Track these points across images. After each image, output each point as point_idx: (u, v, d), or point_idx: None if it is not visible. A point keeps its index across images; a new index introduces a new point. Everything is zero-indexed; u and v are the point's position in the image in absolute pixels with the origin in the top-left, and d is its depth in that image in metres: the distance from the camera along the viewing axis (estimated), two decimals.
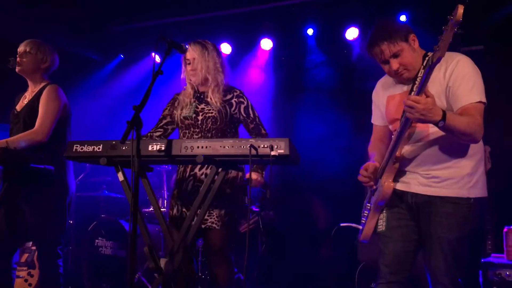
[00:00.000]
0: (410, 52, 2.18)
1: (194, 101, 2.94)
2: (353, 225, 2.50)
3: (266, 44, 5.61)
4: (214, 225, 2.80)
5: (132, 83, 6.12)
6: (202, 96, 2.95)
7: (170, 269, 2.36)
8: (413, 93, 2.04)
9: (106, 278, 4.52)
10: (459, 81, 2.10)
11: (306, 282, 4.78)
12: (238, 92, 2.98)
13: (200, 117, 2.89)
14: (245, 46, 5.72)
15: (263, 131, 2.96)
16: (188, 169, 2.88)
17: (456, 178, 2.15)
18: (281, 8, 5.16)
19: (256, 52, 5.74)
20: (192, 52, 2.93)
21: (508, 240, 3.35)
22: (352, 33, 5.25)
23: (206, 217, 2.78)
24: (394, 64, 2.18)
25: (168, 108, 3.05)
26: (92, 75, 6.17)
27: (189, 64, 2.95)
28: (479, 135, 2.08)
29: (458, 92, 2.09)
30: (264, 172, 2.91)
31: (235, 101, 2.94)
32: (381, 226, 2.32)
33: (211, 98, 2.90)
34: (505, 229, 3.41)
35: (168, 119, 3.02)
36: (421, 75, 2.05)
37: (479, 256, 3.44)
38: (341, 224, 2.66)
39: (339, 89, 5.40)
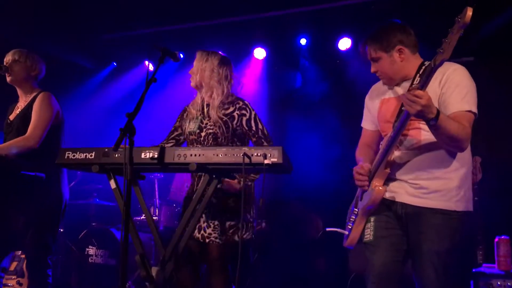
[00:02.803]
0: (387, 63, 2.25)
1: (200, 115, 2.92)
2: (339, 230, 2.48)
3: (259, 53, 5.64)
4: (217, 240, 2.76)
5: (125, 90, 6.11)
6: (207, 109, 2.90)
7: (161, 278, 2.34)
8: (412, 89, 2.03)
9: (96, 287, 4.47)
10: (452, 88, 2.12)
11: None
12: (241, 103, 2.88)
13: (203, 134, 2.86)
14: (238, 55, 5.74)
15: (265, 144, 2.83)
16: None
17: (444, 191, 2.16)
18: (275, 18, 5.18)
19: (250, 61, 5.76)
20: (196, 58, 2.97)
21: (499, 250, 3.37)
22: (344, 44, 5.29)
23: (210, 231, 2.77)
24: (372, 67, 2.32)
25: (178, 120, 3.05)
26: (85, 83, 6.15)
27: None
28: (466, 143, 2.10)
29: (450, 99, 2.12)
30: (247, 183, 2.80)
31: (237, 113, 2.85)
32: (369, 236, 2.30)
33: (211, 112, 2.85)
34: (496, 239, 3.42)
35: (179, 130, 3.02)
36: (417, 82, 2.07)
37: (470, 266, 3.45)
38: (327, 229, 2.64)
39: (331, 99, 5.42)
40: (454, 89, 2.12)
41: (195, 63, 2.94)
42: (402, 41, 2.23)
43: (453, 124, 2.01)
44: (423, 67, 2.16)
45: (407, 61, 2.24)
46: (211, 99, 2.87)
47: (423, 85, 1.95)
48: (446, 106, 2.12)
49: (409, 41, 2.24)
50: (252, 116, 2.86)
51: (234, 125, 2.84)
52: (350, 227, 2.40)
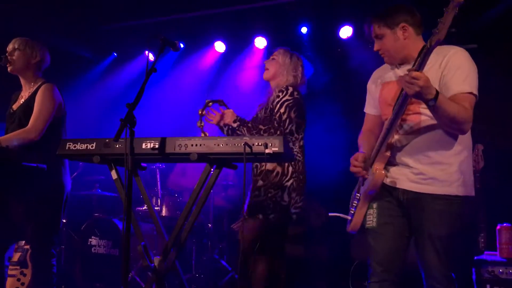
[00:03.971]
0: (390, 40, 2.26)
1: None
2: (341, 215, 2.48)
3: (260, 42, 5.60)
4: (246, 217, 2.93)
5: (125, 81, 6.09)
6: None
7: (163, 268, 2.36)
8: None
9: (99, 277, 4.50)
10: (453, 71, 2.12)
11: (301, 280, 4.79)
12: (284, 87, 3.03)
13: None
14: (239, 44, 5.71)
15: (271, 130, 2.92)
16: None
17: (444, 176, 2.16)
18: (275, 6, 5.15)
19: (250, 51, 5.73)
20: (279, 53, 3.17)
21: (501, 237, 3.37)
22: (346, 32, 5.25)
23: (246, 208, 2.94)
24: (376, 45, 2.32)
25: None
26: (86, 74, 6.13)
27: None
28: (467, 125, 2.10)
29: (451, 81, 2.11)
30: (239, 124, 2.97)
31: (275, 95, 3.03)
32: (371, 222, 2.30)
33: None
34: (498, 227, 3.42)
35: None
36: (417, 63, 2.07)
37: (472, 254, 3.45)
38: (330, 214, 2.66)
39: (332, 87, 5.40)
40: (455, 72, 2.12)
41: (277, 57, 3.15)
42: (407, 20, 2.25)
43: (453, 106, 2.02)
44: (425, 50, 2.15)
45: (409, 40, 2.25)
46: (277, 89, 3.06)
47: (420, 66, 1.94)
48: (447, 88, 2.11)
49: (413, 21, 2.26)
50: (283, 99, 2.97)
51: (272, 106, 3.00)
52: (352, 212, 2.40)
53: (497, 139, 4.31)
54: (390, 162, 2.26)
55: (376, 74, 2.51)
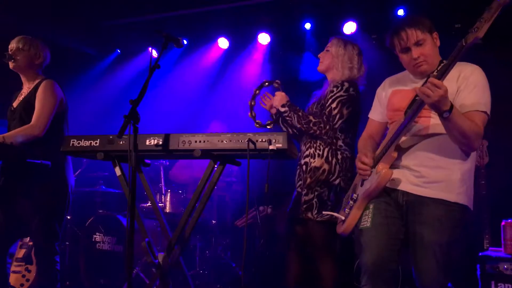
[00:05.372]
0: (432, 46, 2.22)
1: None
2: (335, 214, 2.46)
3: (264, 38, 5.59)
4: (293, 215, 2.96)
5: (129, 77, 6.10)
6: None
7: (167, 264, 2.36)
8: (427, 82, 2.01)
9: (103, 273, 4.51)
10: (470, 88, 2.12)
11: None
12: (340, 82, 2.90)
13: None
14: (243, 40, 5.70)
15: (311, 117, 2.83)
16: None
17: (445, 182, 2.15)
18: (279, 2, 5.13)
19: (254, 47, 5.72)
20: (333, 44, 3.05)
21: (506, 233, 3.36)
22: (349, 28, 5.23)
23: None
24: (416, 52, 2.20)
25: None
26: (89, 70, 6.14)
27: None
28: (476, 143, 2.09)
29: (467, 98, 2.11)
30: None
31: (329, 89, 2.93)
32: (366, 222, 2.24)
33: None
34: (502, 223, 3.41)
35: None
36: (434, 73, 2.06)
37: (476, 250, 3.45)
38: (324, 212, 2.65)
39: None
40: (472, 90, 2.12)
41: (330, 49, 3.03)
42: (434, 29, 2.25)
43: (465, 121, 2.02)
44: (441, 65, 2.12)
45: (437, 50, 2.26)
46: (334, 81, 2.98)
47: (442, 75, 1.93)
48: (462, 105, 2.11)
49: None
50: (337, 95, 2.85)
51: (325, 101, 2.91)
52: (347, 212, 2.36)
53: (501, 135, 4.29)
54: (392, 164, 2.24)
55: (387, 81, 2.48)
